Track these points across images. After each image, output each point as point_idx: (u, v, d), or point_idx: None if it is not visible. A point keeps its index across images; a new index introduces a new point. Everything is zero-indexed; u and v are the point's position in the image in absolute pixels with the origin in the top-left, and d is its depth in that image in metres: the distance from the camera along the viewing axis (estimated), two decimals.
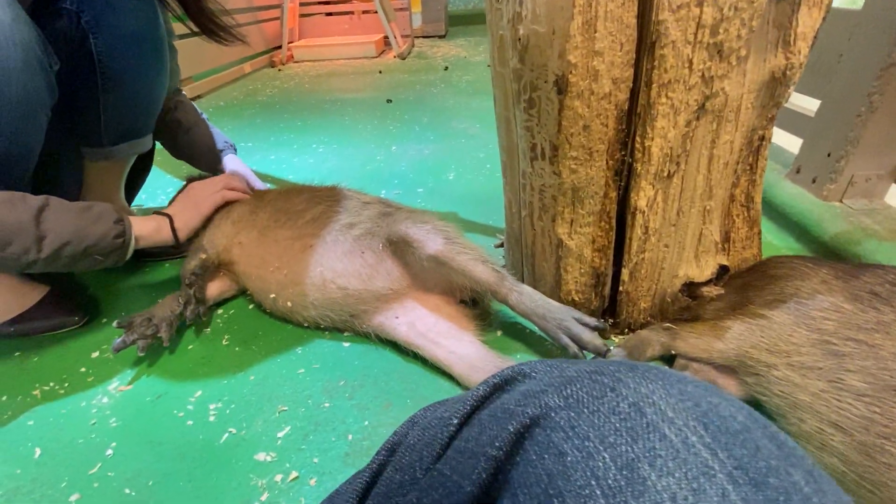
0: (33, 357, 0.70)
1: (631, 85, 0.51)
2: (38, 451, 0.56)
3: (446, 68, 2.56)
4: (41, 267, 0.59)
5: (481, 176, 1.24)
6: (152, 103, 0.83)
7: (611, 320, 0.67)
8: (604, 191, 0.56)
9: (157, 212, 0.74)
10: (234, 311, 0.78)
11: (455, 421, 0.24)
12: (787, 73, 0.51)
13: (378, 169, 1.32)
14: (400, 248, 0.66)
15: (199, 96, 2.24)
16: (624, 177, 0.56)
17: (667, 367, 0.23)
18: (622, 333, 0.67)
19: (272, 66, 2.93)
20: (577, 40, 0.47)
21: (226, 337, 0.72)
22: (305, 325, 0.71)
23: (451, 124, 1.66)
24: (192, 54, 2.17)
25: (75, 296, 0.80)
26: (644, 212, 0.56)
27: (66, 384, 0.65)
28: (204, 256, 0.73)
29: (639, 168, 0.54)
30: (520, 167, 0.63)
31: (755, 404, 0.55)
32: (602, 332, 0.57)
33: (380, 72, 2.58)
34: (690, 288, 0.62)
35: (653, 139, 0.52)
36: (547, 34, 0.48)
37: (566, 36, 0.47)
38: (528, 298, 0.60)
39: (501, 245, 0.86)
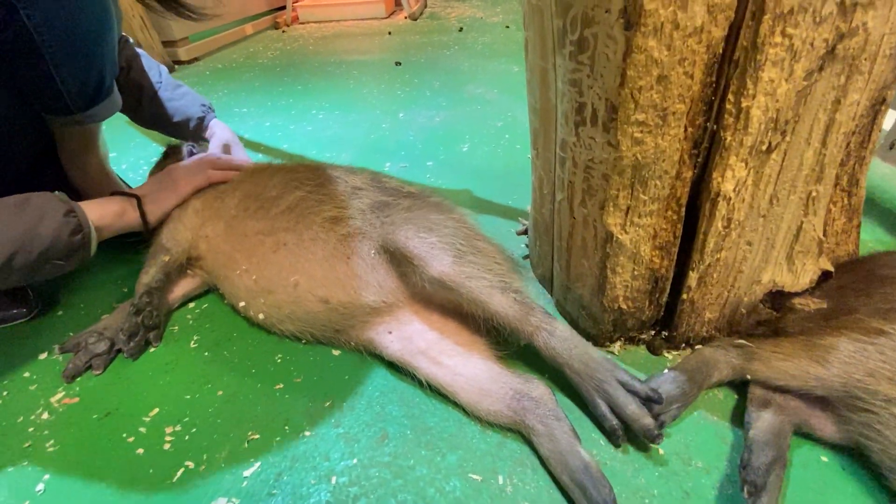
0: None
1: (732, 17, 0.35)
2: None
3: (461, 29, 2.36)
4: None
5: (499, 148, 1.09)
6: (109, 56, 0.69)
7: (664, 333, 0.53)
8: (676, 169, 0.41)
9: (122, 192, 0.62)
10: (208, 306, 0.66)
11: None
12: None
13: (383, 138, 1.17)
14: (397, 260, 0.53)
15: (196, 59, 2.09)
16: (703, 151, 0.42)
17: None
18: (678, 349, 0.54)
19: (276, 28, 2.74)
20: None
21: (195, 338, 0.61)
22: (284, 336, 0.59)
23: (465, 89, 1.49)
24: None
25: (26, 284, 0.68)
26: (730, 198, 0.41)
27: (5, 392, 0.55)
28: (167, 259, 0.60)
29: (728, 139, 0.39)
30: (557, 136, 0.48)
31: (857, 453, 0.42)
32: (656, 403, 0.43)
33: (389, 33, 2.39)
34: (777, 298, 0.48)
35: (754, 97, 0.37)
36: None
37: None
38: (560, 342, 0.46)
39: (525, 232, 0.72)
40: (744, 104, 0.37)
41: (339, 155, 1.09)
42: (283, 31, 2.64)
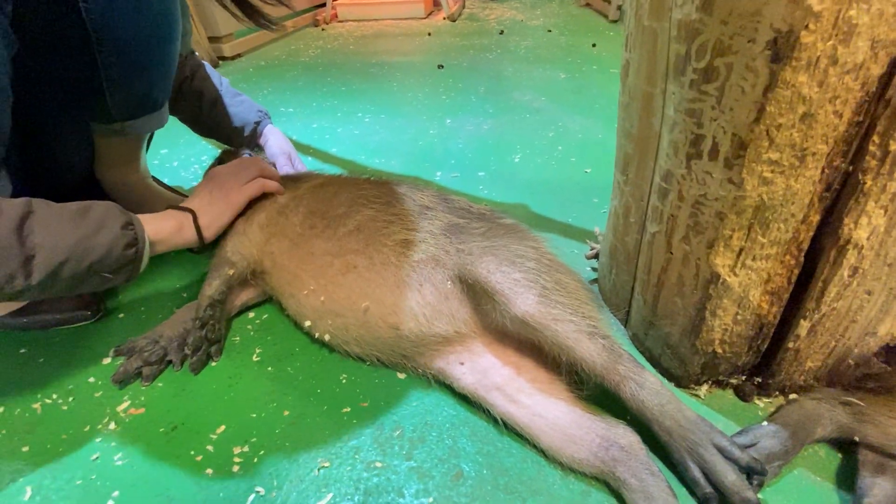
0: (39, 357, 0.60)
1: (894, 52, 0.32)
2: (28, 492, 0.45)
3: (502, 32, 2.32)
4: (35, 294, 0.46)
5: (553, 160, 1.06)
6: (164, 69, 0.68)
7: (757, 379, 0.50)
8: (804, 213, 0.38)
9: (177, 206, 0.60)
10: (268, 317, 0.65)
11: None
12: None
13: (431, 145, 1.15)
14: (475, 292, 0.50)
15: (239, 55, 2.11)
16: (833, 194, 0.38)
17: None
18: (770, 397, 0.50)
19: (315, 25, 2.75)
20: None
21: (257, 350, 0.60)
22: (349, 356, 0.57)
23: (511, 96, 1.46)
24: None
25: None
26: (861, 247, 0.38)
27: (71, 398, 0.55)
28: (231, 273, 0.59)
29: (868, 183, 0.36)
30: (659, 165, 0.45)
31: None
32: (759, 474, 0.39)
33: (429, 34, 2.37)
34: (894, 353, 0.44)
35: None
36: None
37: None
38: (650, 395, 0.42)
39: (595, 256, 0.69)
40: (892, 147, 0.34)
41: (388, 161, 1.08)
42: (323, 29, 2.65)
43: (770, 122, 0.34)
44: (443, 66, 1.79)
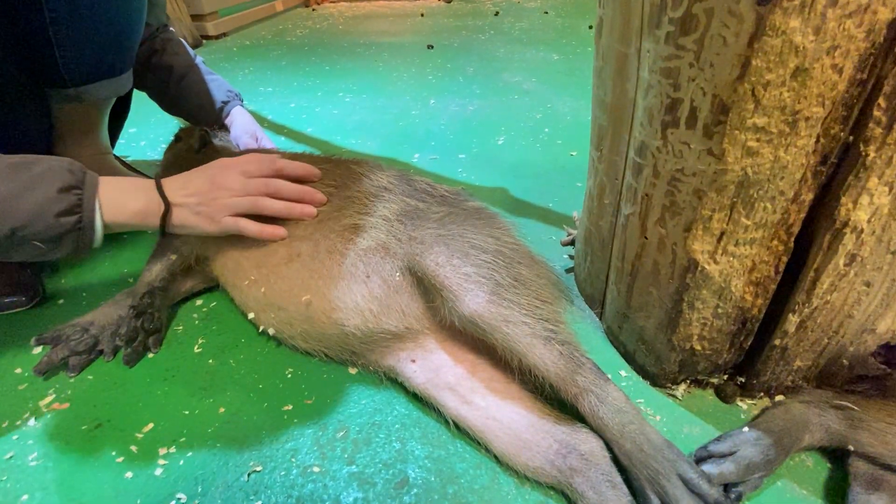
0: None
1: None
2: None
3: (497, 13, 2.25)
4: None
5: (538, 143, 1.00)
6: (123, 35, 0.63)
7: (740, 379, 0.45)
8: (795, 190, 0.32)
9: (157, 185, 0.50)
10: (216, 304, 0.60)
11: None
12: None
13: (412, 126, 1.09)
14: (424, 287, 0.45)
15: (223, 34, 2.03)
16: (830, 169, 0.33)
17: None
18: (753, 398, 0.45)
19: (306, 6, 2.68)
20: None
21: (200, 341, 0.55)
22: (298, 351, 0.52)
23: (500, 77, 1.39)
24: None
25: (28, 268, 0.64)
26: (860, 230, 0.33)
27: None
28: (174, 258, 0.54)
29: (871, 155, 0.30)
30: (633, 137, 0.39)
31: None
32: None
33: (422, 14, 2.29)
34: (894, 352, 0.39)
35: None
36: None
37: None
38: (611, 412, 0.37)
39: (571, 243, 0.64)
40: None
41: (365, 142, 1.02)
42: (314, 10, 2.57)
43: (756, 79, 0.28)
44: (432, 47, 1.72)
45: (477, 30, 1.96)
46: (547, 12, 2.23)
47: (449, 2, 2.59)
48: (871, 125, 0.30)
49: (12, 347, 0.55)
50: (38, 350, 0.54)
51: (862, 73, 0.28)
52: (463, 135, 1.04)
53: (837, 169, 0.32)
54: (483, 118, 1.12)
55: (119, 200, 0.47)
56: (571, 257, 0.64)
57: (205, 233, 0.51)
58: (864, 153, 0.30)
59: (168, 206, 0.49)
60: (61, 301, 0.62)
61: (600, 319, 0.54)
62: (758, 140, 0.30)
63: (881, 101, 0.29)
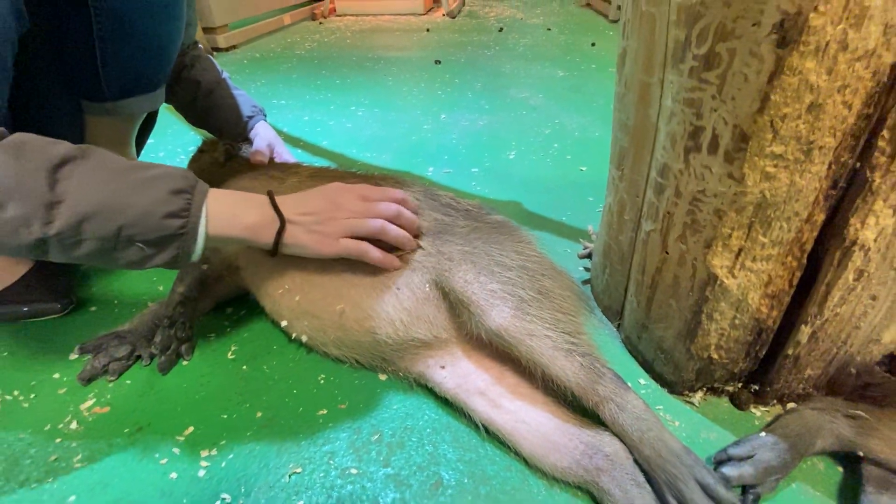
0: (3, 351, 0.57)
1: None
2: None
3: (501, 30, 2.30)
4: (57, 253, 0.39)
5: (548, 157, 1.04)
6: (163, 53, 0.66)
7: (754, 387, 0.48)
8: (808, 212, 0.35)
9: (272, 201, 0.48)
10: (246, 312, 0.62)
11: None
12: None
13: (425, 140, 1.12)
14: (451, 301, 0.48)
15: (234, 46, 2.07)
16: (839, 192, 0.36)
17: None
18: (766, 405, 0.48)
19: (313, 19, 2.73)
20: None
21: (232, 348, 0.57)
22: (329, 358, 0.54)
23: (508, 92, 1.44)
24: (228, 1, 1.99)
25: (62, 276, 0.66)
26: (868, 248, 0.35)
27: (33, 395, 0.52)
28: (205, 268, 0.57)
29: (877, 181, 0.33)
30: (655, 159, 0.42)
31: None
32: None
33: (427, 30, 2.34)
34: None
35: None
36: None
37: None
38: (631, 420, 0.39)
39: (588, 256, 0.67)
40: None
41: (379, 155, 1.05)
42: (321, 23, 2.62)
43: (774, 112, 0.32)
44: (440, 62, 1.76)
45: (482, 45, 2.01)
46: (550, 29, 2.29)
47: (453, 17, 2.64)
48: (876, 154, 0.33)
49: (50, 354, 0.57)
50: (74, 356, 0.56)
51: (868, 108, 0.32)
52: (475, 149, 1.07)
53: (846, 192, 0.35)
54: (493, 133, 1.15)
55: (231, 213, 0.46)
56: (587, 269, 0.67)
57: (318, 254, 0.49)
58: (870, 179, 0.34)
59: (283, 222, 0.47)
60: (93, 308, 0.64)
61: (618, 330, 0.57)
62: (775, 166, 0.33)
63: (885, 132, 0.32)
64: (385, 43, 2.11)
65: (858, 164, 0.34)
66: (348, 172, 0.66)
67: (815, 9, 0.28)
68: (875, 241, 0.35)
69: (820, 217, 0.36)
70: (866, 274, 0.37)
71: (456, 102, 1.36)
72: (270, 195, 0.49)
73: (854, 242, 0.36)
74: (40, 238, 0.38)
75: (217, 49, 2.00)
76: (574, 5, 2.88)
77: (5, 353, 0.57)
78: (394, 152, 1.07)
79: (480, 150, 1.07)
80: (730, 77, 0.33)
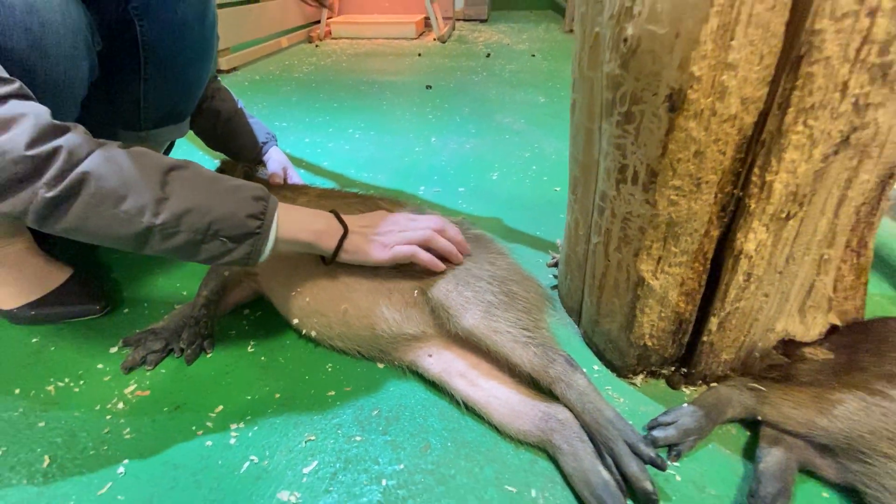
0: (51, 346, 0.66)
1: (761, 107, 0.41)
2: (46, 460, 0.51)
3: (488, 55, 2.45)
4: (156, 242, 0.48)
5: (527, 178, 1.16)
6: (194, 90, 0.77)
7: (684, 370, 0.59)
8: (705, 228, 0.47)
9: (338, 217, 0.58)
10: (262, 314, 0.72)
11: None
12: None
13: (416, 162, 1.24)
14: (432, 306, 0.58)
15: (235, 68, 2.19)
16: (729, 213, 0.47)
17: None
18: (694, 385, 0.59)
19: (309, 42, 2.85)
20: (707, 48, 0.38)
21: (251, 344, 0.67)
22: (334, 349, 0.65)
23: (493, 118, 1.56)
24: (230, 25, 2.11)
25: (98, 281, 0.75)
26: (751, 256, 0.47)
27: (82, 382, 0.61)
28: (227, 274, 0.67)
29: (752, 205, 0.45)
30: (598, 187, 0.54)
31: (855, 494, 0.46)
32: (659, 468, 0.45)
33: (419, 54, 2.48)
34: (788, 346, 0.54)
35: (777, 173, 0.43)
36: (667, 37, 0.39)
37: (693, 42, 0.38)
38: (576, 395, 0.49)
39: (555, 265, 0.78)
40: (767, 178, 0.43)
41: (375, 176, 1.16)
42: (317, 46, 2.74)
43: (672, 156, 0.43)
44: (431, 87, 1.89)
45: (471, 71, 2.15)
46: (534, 55, 2.44)
47: (444, 42, 2.79)
48: (751, 186, 0.45)
49: (93, 348, 0.66)
50: (114, 350, 0.66)
51: (740, 154, 0.43)
52: (461, 170, 1.19)
53: (735, 214, 0.47)
54: (479, 155, 1.27)
55: (300, 220, 0.56)
56: (556, 276, 0.78)
57: (373, 260, 0.58)
58: (748, 204, 0.45)
59: (346, 230, 0.57)
60: (126, 310, 0.73)
61: (578, 326, 0.68)
62: (677, 195, 0.45)
63: (756, 170, 0.44)
64: (379, 67, 2.24)
65: (741, 193, 0.46)
66: (351, 193, 0.77)
67: (692, 87, 0.40)
68: (756, 250, 0.47)
69: (716, 232, 0.48)
70: (754, 276, 0.49)
71: (445, 126, 1.49)
72: (335, 212, 0.59)
73: (741, 252, 0.47)
74: (148, 227, 0.47)
75: (220, 71, 2.11)
76: (558, 31, 3.06)
77: (52, 348, 0.66)
78: (388, 173, 1.18)
79: (467, 171, 1.18)
80: (642, 130, 0.45)
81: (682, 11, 0.38)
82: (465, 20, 3.50)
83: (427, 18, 2.99)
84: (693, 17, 0.37)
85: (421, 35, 2.98)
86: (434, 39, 2.83)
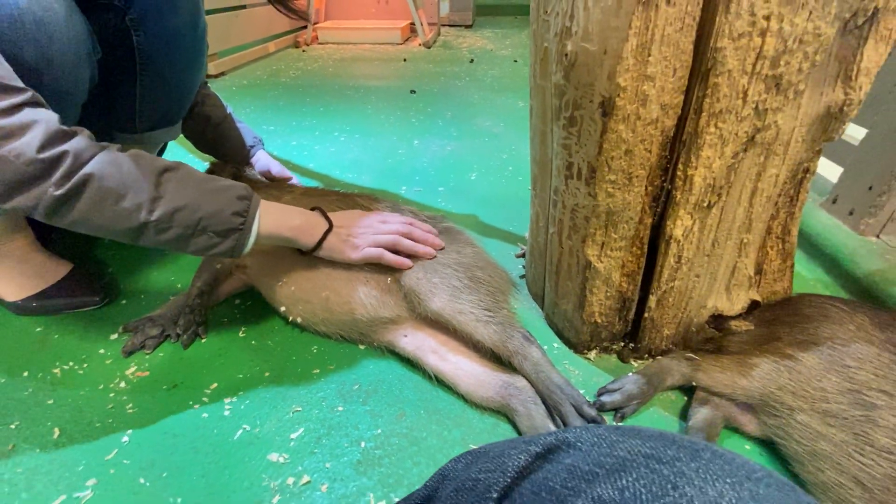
0: (54, 335, 0.71)
1: (679, 112, 0.49)
2: (56, 432, 0.57)
3: (472, 61, 2.52)
4: (151, 235, 0.53)
5: (503, 178, 1.23)
6: (186, 95, 0.83)
7: (631, 345, 0.66)
8: (639, 217, 0.54)
9: (323, 214, 0.65)
10: (252, 303, 0.78)
11: (494, 495, 0.23)
12: (845, 108, 0.49)
13: (399, 163, 1.30)
14: (405, 292, 0.65)
15: (223, 73, 2.23)
16: (661, 204, 0.55)
17: (729, 451, 0.21)
18: (642, 359, 0.66)
19: (296, 47, 2.90)
20: (629, 63, 0.45)
21: (242, 329, 0.73)
22: (318, 334, 0.71)
23: (474, 121, 1.63)
24: (218, 31, 2.16)
25: (97, 275, 0.80)
26: (679, 241, 0.54)
27: (86, 365, 0.66)
28: (219, 267, 0.72)
29: (678, 196, 0.52)
30: (552, 183, 0.61)
31: (772, 445, 0.54)
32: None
33: (404, 60, 2.55)
34: (718, 320, 0.61)
35: (696, 168, 0.50)
36: (597, 53, 0.46)
37: (618, 57, 0.45)
38: (530, 366, 0.57)
39: (523, 255, 0.85)
40: (689, 172, 0.51)
41: (360, 176, 1.22)
42: (304, 51, 2.80)
43: (606, 154, 0.50)
44: (415, 92, 1.96)
45: (454, 76, 2.22)
46: (516, 61, 2.52)
47: (429, 47, 2.86)
48: (676, 179, 0.52)
49: (94, 336, 0.71)
50: (114, 336, 0.71)
51: (665, 152, 0.51)
52: (442, 171, 1.26)
53: (666, 204, 0.54)
54: (459, 157, 1.34)
55: (279, 217, 0.61)
56: (523, 266, 0.85)
57: (345, 258, 0.64)
58: (675, 195, 0.53)
59: (331, 226, 0.64)
60: (124, 301, 0.79)
61: (542, 309, 0.75)
62: (612, 188, 0.52)
63: (679, 166, 0.51)
64: (365, 72, 2.30)
65: (669, 186, 0.53)
66: (332, 191, 0.84)
67: (619, 95, 0.47)
68: (684, 235, 0.54)
69: (649, 220, 0.55)
70: (685, 258, 0.56)
71: (428, 129, 1.55)
72: (318, 207, 0.65)
73: (671, 237, 0.54)
74: (144, 222, 0.53)
75: (208, 76, 2.16)
76: None
77: (56, 336, 0.71)
78: (372, 173, 1.24)
79: (447, 172, 1.25)
80: (582, 132, 0.52)
81: (608, 32, 0.45)
82: (450, 26, 3.58)
83: (412, 24, 3.06)
84: (616, 37, 0.45)
85: (406, 40, 3.05)
86: (419, 45, 2.90)
